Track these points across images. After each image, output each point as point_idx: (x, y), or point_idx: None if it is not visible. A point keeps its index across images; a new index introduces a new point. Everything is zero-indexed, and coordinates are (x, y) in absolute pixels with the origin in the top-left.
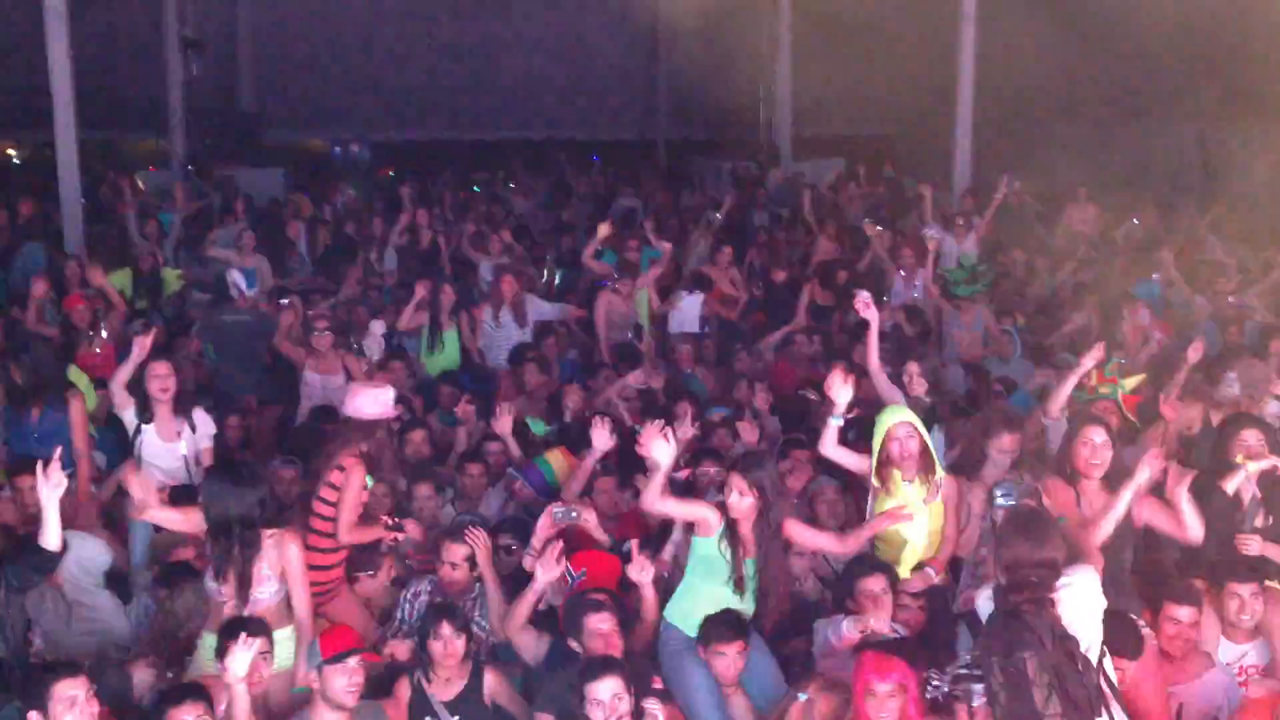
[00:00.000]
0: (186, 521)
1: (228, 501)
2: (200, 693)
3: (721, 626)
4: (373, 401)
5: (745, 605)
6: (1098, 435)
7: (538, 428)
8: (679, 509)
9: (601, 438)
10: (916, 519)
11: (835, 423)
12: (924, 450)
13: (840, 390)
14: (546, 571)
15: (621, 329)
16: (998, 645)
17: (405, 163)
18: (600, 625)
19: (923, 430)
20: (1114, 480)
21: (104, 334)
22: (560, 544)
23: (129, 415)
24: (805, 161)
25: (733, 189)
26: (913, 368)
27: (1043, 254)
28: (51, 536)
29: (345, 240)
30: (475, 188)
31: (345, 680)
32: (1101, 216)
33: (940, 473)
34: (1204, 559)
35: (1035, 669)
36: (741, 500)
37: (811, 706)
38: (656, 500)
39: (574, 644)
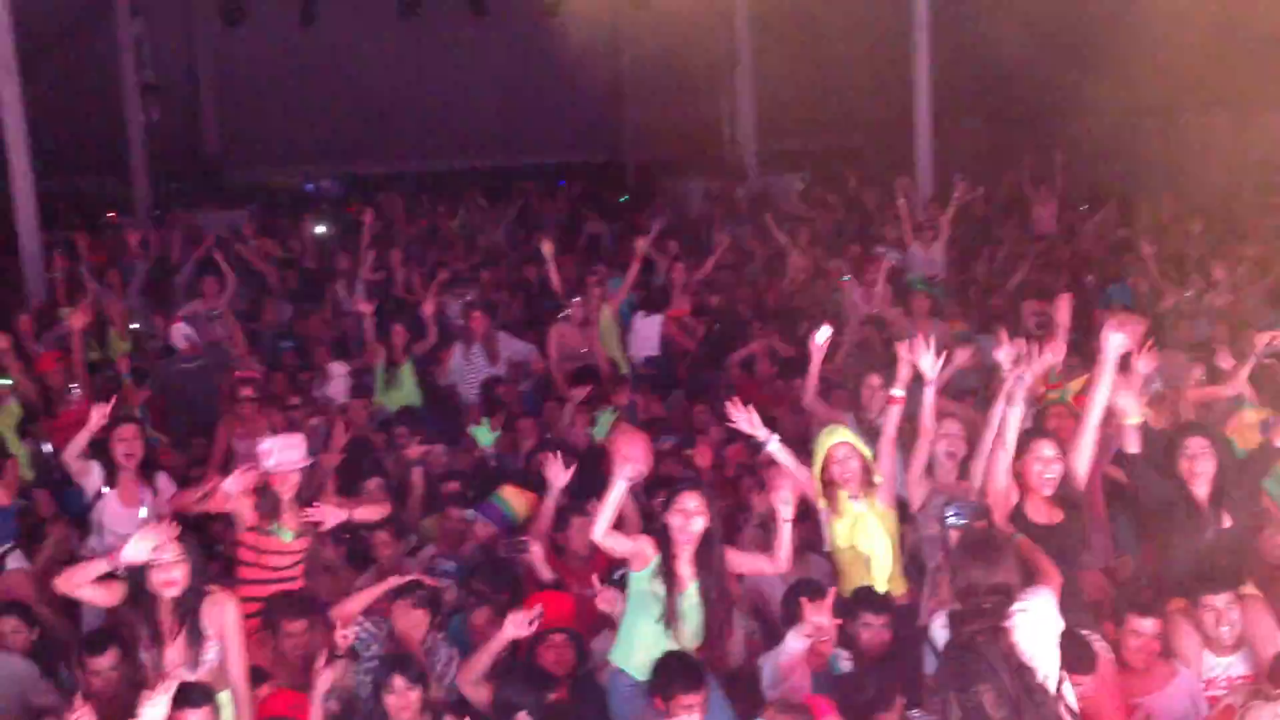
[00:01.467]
0: (109, 595)
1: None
2: None
3: (681, 677)
4: (290, 451)
5: (681, 643)
6: (1048, 449)
7: (484, 437)
8: (617, 544)
9: (555, 472)
10: (871, 528)
11: (785, 516)
12: (864, 467)
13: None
14: (516, 628)
15: (574, 360)
16: (954, 678)
17: (373, 196)
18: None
19: (861, 447)
20: (1059, 491)
21: (77, 391)
22: (538, 607)
23: (90, 481)
24: (772, 175)
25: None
26: (874, 380)
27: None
28: None
29: (314, 277)
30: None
31: None
32: (1062, 214)
33: (879, 477)
34: (1174, 572)
35: (993, 702)
36: (689, 522)
37: None
38: (600, 534)
39: None
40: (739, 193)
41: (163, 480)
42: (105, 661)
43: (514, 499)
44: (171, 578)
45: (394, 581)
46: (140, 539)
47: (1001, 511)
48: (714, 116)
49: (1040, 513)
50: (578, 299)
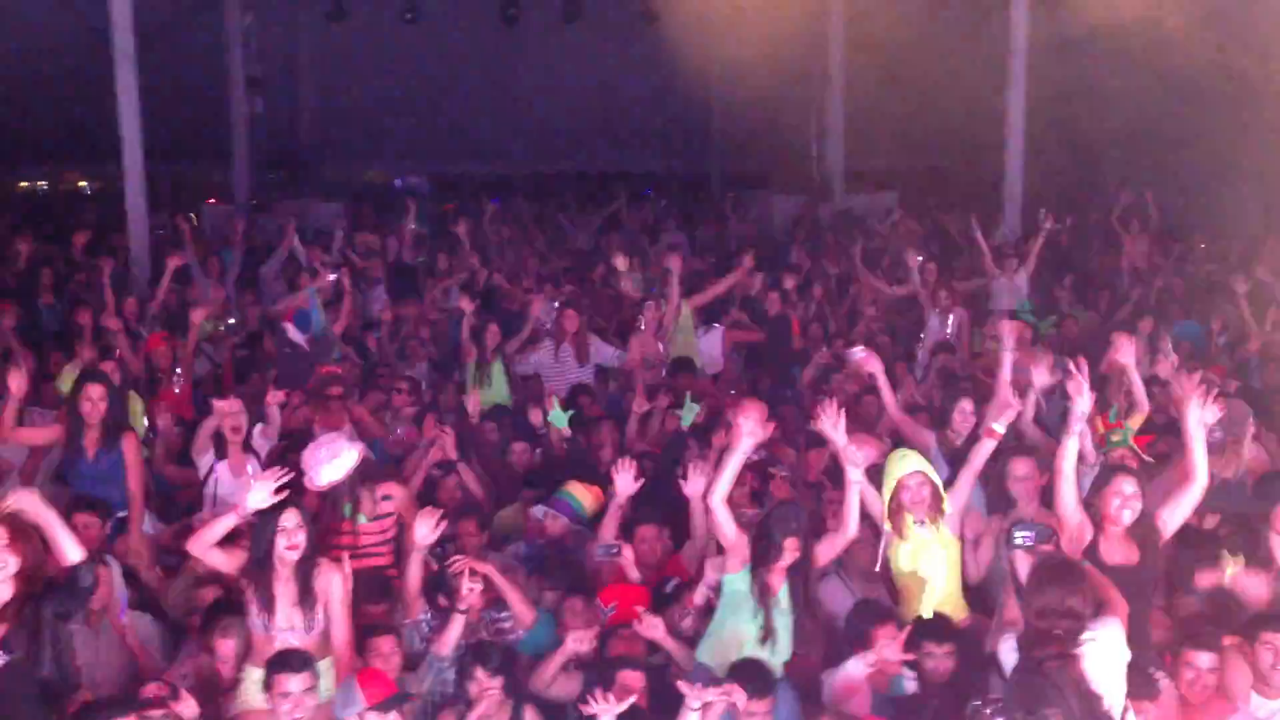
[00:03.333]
0: (233, 562)
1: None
2: None
3: (751, 681)
4: (334, 468)
5: (770, 650)
6: (1128, 486)
7: (559, 420)
8: (726, 522)
9: (625, 481)
10: (934, 555)
11: (855, 478)
12: (935, 494)
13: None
14: (577, 643)
15: (655, 369)
16: (1022, 701)
17: (463, 196)
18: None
19: (933, 476)
20: (1137, 531)
21: (179, 374)
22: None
23: (206, 459)
24: (857, 195)
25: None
26: (966, 405)
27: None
28: (71, 552)
29: (410, 272)
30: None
31: None
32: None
33: (949, 506)
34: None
35: None
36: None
37: None
38: (717, 500)
39: None
40: (822, 211)
41: (260, 444)
42: (231, 647)
43: (581, 494)
44: (296, 541)
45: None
46: (258, 488)
47: (1075, 547)
48: (802, 133)
49: (1116, 552)
50: (650, 306)
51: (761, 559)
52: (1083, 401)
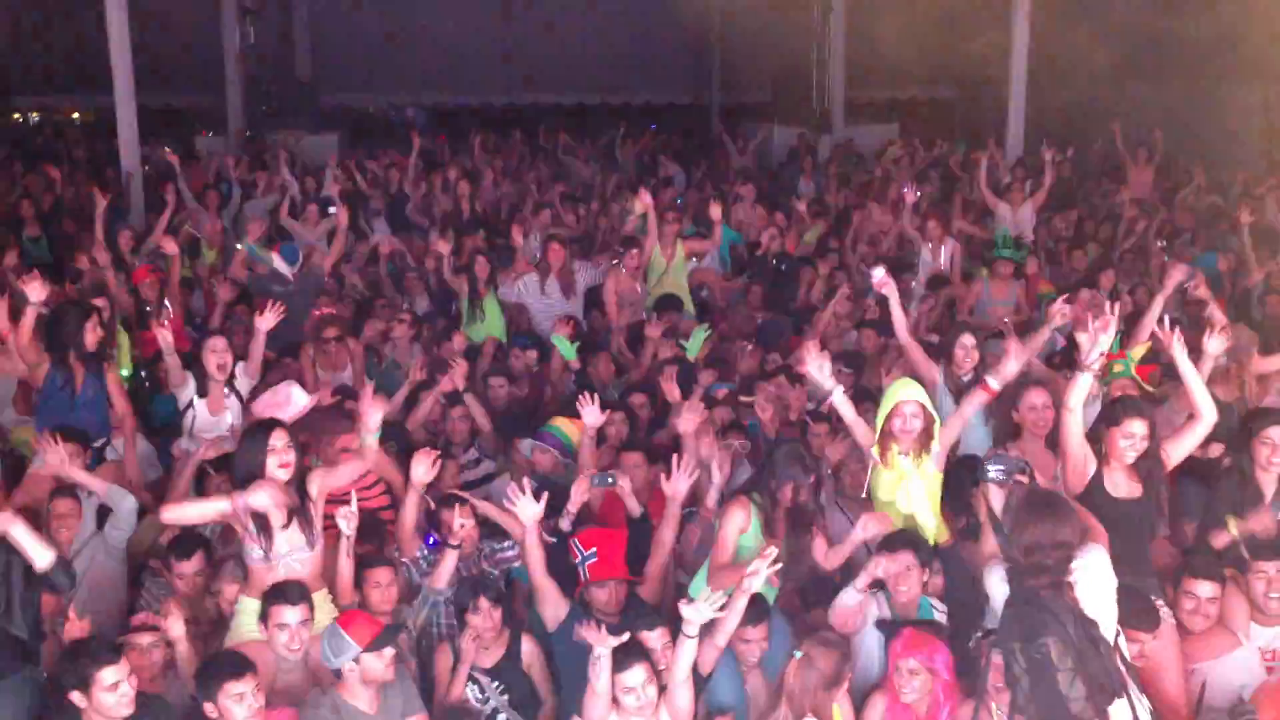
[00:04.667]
0: (208, 514)
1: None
2: (250, 663)
3: (748, 610)
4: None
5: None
6: (1139, 427)
7: (565, 349)
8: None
9: (591, 414)
10: (914, 487)
11: (837, 399)
12: (927, 429)
13: (817, 369)
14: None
15: (633, 309)
16: (1018, 630)
17: (458, 126)
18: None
19: (930, 408)
20: (1142, 465)
21: (169, 306)
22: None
23: (185, 392)
24: (858, 127)
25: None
26: (967, 340)
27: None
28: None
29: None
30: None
31: (382, 665)
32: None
33: (937, 445)
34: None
35: (1058, 653)
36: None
37: (809, 664)
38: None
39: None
40: (823, 142)
41: (241, 378)
42: (191, 566)
43: (567, 428)
44: (287, 460)
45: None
46: (261, 493)
47: (1079, 480)
48: (803, 63)
49: (1119, 485)
50: (634, 250)
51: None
52: (1105, 339)
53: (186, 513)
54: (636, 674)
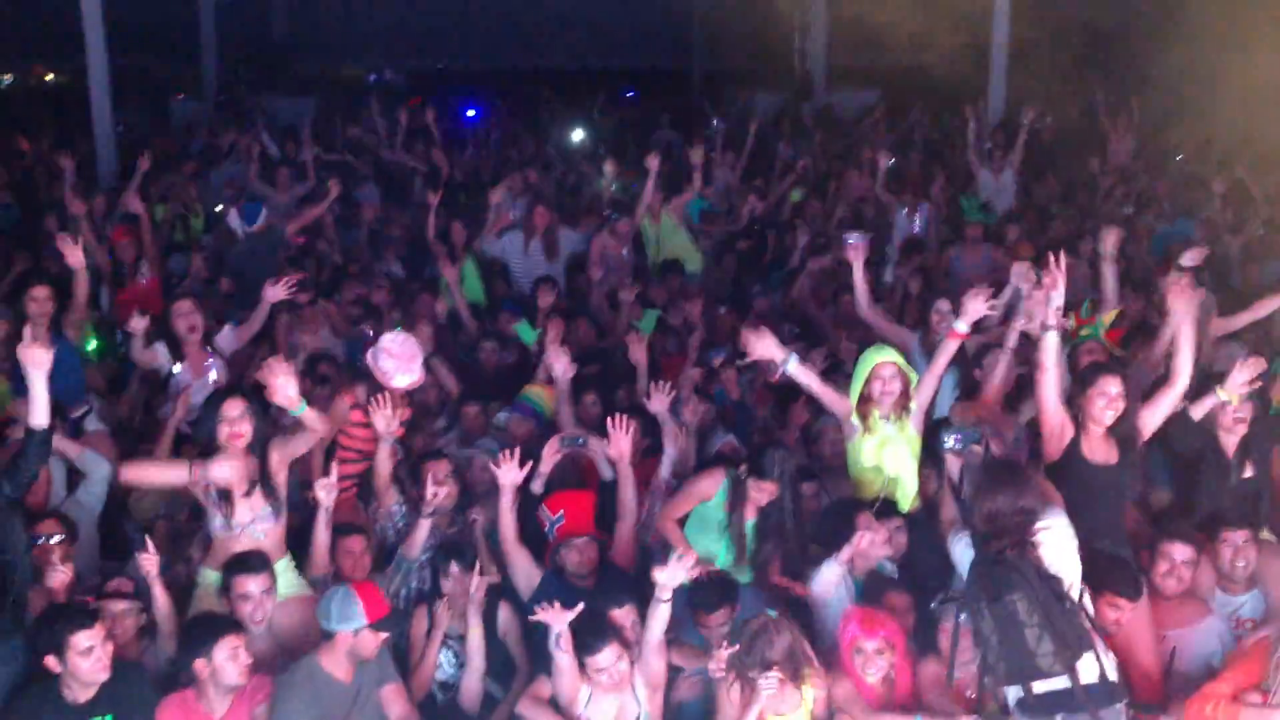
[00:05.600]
0: (169, 476)
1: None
2: (237, 625)
3: (711, 596)
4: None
5: (738, 567)
6: (1113, 386)
7: (526, 334)
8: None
9: (560, 366)
10: (898, 450)
11: (792, 369)
12: (905, 390)
13: (760, 348)
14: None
15: (617, 272)
16: (985, 589)
17: (437, 91)
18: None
19: (907, 369)
20: (1118, 430)
21: (145, 267)
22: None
23: (160, 363)
24: (840, 93)
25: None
26: (943, 305)
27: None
28: (39, 414)
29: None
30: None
31: (375, 644)
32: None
33: (914, 406)
34: (1197, 512)
35: (1025, 610)
36: (760, 494)
37: (779, 626)
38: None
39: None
40: (805, 108)
41: (222, 338)
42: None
43: (541, 396)
44: (240, 430)
45: None
46: (222, 464)
47: (1057, 445)
48: (785, 28)
49: (1097, 450)
50: (625, 218)
51: (737, 498)
52: (1057, 296)
53: (146, 473)
54: (607, 655)
